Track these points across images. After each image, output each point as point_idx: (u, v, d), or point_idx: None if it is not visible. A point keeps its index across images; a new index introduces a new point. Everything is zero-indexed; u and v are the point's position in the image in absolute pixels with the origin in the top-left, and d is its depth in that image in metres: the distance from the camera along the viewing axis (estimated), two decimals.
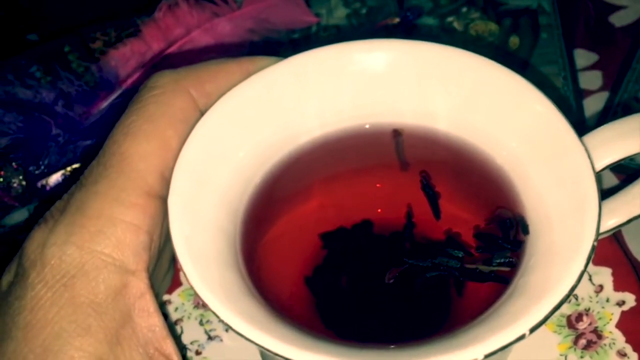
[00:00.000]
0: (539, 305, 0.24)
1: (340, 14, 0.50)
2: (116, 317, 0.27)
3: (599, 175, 0.28)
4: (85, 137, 0.44)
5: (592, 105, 0.47)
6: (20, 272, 0.27)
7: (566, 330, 0.35)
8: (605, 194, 0.30)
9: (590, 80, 0.48)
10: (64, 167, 0.44)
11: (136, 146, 0.28)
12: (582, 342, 0.34)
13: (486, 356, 0.23)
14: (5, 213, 0.44)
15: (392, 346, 0.27)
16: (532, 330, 0.24)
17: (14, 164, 0.43)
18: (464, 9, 0.50)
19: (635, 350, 0.34)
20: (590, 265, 0.36)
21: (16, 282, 0.27)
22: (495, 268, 0.29)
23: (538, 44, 0.47)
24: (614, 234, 0.36)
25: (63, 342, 0.26)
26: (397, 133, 0.34)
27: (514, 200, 0.31)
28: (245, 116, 0.31)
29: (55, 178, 0.44)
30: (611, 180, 0.42)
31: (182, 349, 0.36)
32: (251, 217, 0.31)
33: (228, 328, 0.25)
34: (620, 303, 0.35)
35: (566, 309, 0.35)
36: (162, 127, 0.29)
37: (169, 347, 0.28)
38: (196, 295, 0.26)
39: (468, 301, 0.30)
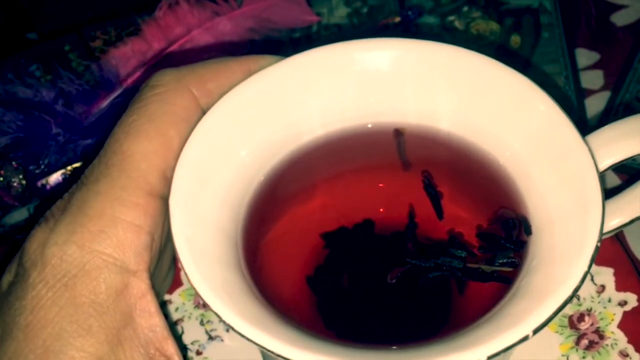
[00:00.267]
0: (542, 307, 0.24)
1: (341, 13, 0.50)
2: (117, 318, 0.27)
3: (602, 176, 0.28)
4: (86, 137, 0.44)
5: (594, 104, 0.47)
6: (20, 272, 0.27)
7: (568, 331, 0.35)
8: (608, 194, 0.30)
9: (592, 79, 0.48)
10: (64, 167, 0.43)
11: (137, 145, 0.28)
12: (584, 342, 0.34)
13: (489, 357, 0.23)
14: (5, 212, 0.44)
15: (394, 347, 0.27)
16: (536, 331, 0.24)
17: (14, 163, 0.43)
18: (465, 8, 0.50)
19: (637, 350, 0.34)
20: (592, 265, 0.36)
21: (17, 282, 0.27)
22: (497, 268, 0.29)
23: (539, 43, 0.47)
24: (615, 234, 0.36)
25: (64, 342, 0.26)
26: (398, 133, 0.34)
27: (517, 200, 0.30)
28: (247, 115, 0.31)
29: (56, 177, 0.43)
30: (614, 180, 0.42)
31: (182, 349, 0.36)
32: (253, 217, 0.31)
33: (229, 328, 0.25)
34: (622, 303, 0.35)
35: (568, 309, 0.35)
36: (163, 126, 0.29)
37: (170, 347, 0.27)
38: (197, 295, 0.26)
39: (471, 302, 0.29)
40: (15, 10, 0.54)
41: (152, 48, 0.46)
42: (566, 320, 0.35)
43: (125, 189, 0.27)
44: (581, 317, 0.35)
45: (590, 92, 0.47)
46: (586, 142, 0.28)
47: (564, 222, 0.27)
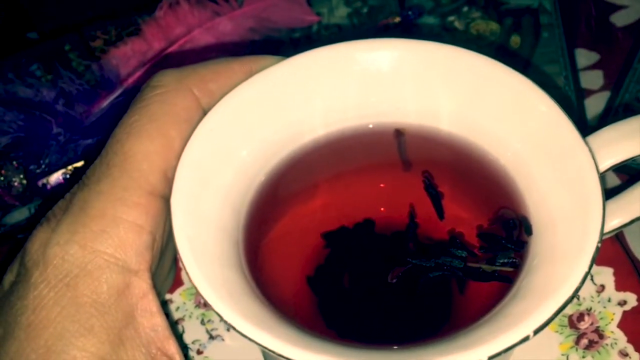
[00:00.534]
0: (543, 307, 0.24)
1: (341, 13, 0.50)
2: (119, 317, 0.27)
3: (602, 176, 0.28)
4: (86, 136, 0.44)
5: (594, 105, 0.47)
6: (22, 272, 0.27)
7: (568, 330, 0.35)
8: (608, 194, 0.30)
9: (592, 79, 0.48)
10: (64, 166, 0.43)
11: (139, 145, 0.28)
12: (584, 342, 0.34)
13: (490, 358, 0.23)
14: (5, 212, 0.44)
15: (395, 347, 0.27)
16: (537, 332, 0.24)
17: (14, 162, 0.43)
18: (465, 8, 0.50)
19: (636, 350, 0.34)
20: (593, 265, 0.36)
21: (18, 282, 0.27)
22: (498, 268, 0.29)
23: (539, 43, 0.47)
24: (615, 234, 0.36)
25: (65, 342, 0.26)
26: (399, 133, 0.34)
27: (518, 201, 0.31)
28: (247, 115, 0.31)
29: (56, 177, 0.43)
30: (614, 180, 0.42)
31: (183, 348, 0.36)
32: (254, 216, 0.31)
33: (230, 327, 0.25)
34: (622, 303, 0.35)
35: (568, 309, 0.35)
36: (165, 127, 0.29)
37: (172, 347, 0.28)
38: (199, 294, 0.26)
39: (471, 302, 0.30)
40: (16, 10, 0.54)
41: (153, 48, 0.46)
42: (566, 320, 0.35)
43: (127, 189, 0.28)
44: (581, 317, 0.35)
45: (590, 93, 0.47)
46: (587, 143, 0.28)
47: (564, 223, 0.27)
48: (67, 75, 0.45)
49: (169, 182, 0.28)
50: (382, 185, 0.35)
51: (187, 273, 0.26)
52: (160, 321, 0.27)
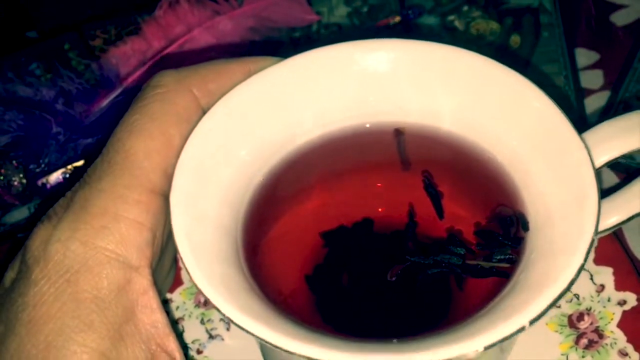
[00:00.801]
0: (539, 298, 0.24)
1: (341, 13, 0.50)
2: (119, 313, 0.27)
3: (599, 172, 0.28)
4: (86, 135, 0.44)
5: (594, 104, 0.47)
6: (23, 269, 0.27)
7: (567, 330, 0.35)
8: (606, 192, 0.30)
9: (592, 79, 0.48)
10: (64, 166, 0.43)
11: (140, 144, 0.28)
12: (584, 341, 0.34)
13: (486, 348, 0.23)
14: (5, 211, 0.44)
15: (394, 340, 0.27)
16: (532, 322, 0.24)
17: (14, 162, 0.43)
18: (465, 8, 0.50)
19: (636, 349, 0.34)
20: (592, 264, 0.36)
21: (19, 279, 0.27)
22: (495, 264, 0.29)
23: (539, 42, 0.47)
24: (615, 233, 0.36)
25: (66, 337, 0.26)
26: (398, 132, 0.34)
27: (515, 197, 0.31)
28: (247, 115, 0.31)
29: (56, 176, 0.44)
30: (612, 179, 0.42)
31: (183, 347, 0.36)
32: (253, 215, 0.31)
33: (229, 325, 0.25)
34: (622, 302, 0.35)
35: (567, 309, 0.35)
36: (165, 125, 0.29)
37: (172, 343, 0.28)
38: (198, 290, 0.26)
39: (470, 296, 0.30)
40: (15, 9, 0.54)
41: (152, 47, 0.46)
42: (566, 320, 0.35)
43: (128, 187, 0.28)
44: (580, 317, 0.35)
45: (590, 92, 0.47)
46: (583, 139, 0.28)
47: (560, 217, 0.27)
48: (67, 74, 0.45)
49: (169, 180, 0.28)
50: (381, 184, 0.35)
51: (185, 269, 0.26)
52: (160, 317, 0.27)
